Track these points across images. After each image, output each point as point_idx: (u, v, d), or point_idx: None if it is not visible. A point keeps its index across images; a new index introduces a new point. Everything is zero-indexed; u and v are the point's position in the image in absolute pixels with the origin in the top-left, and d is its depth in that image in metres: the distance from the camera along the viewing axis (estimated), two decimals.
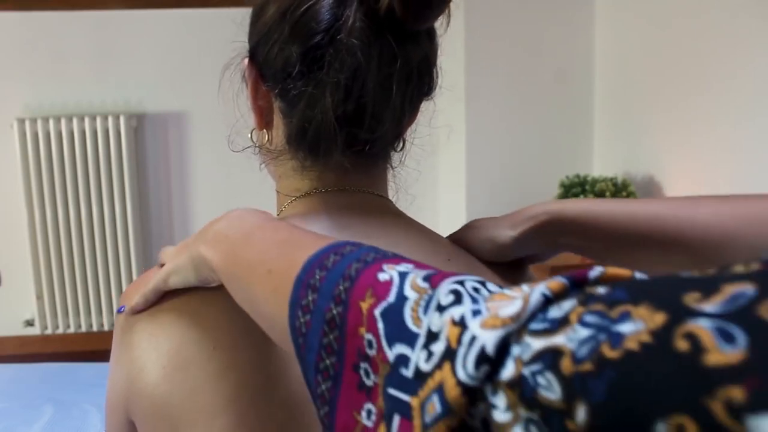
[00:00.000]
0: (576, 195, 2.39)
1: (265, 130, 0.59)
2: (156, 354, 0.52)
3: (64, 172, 2.81)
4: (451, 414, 0.28)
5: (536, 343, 0.27)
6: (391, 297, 0.34)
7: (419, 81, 0.56)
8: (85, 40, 2.88)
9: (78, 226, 2.85)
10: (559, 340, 0.27)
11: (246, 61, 0.59)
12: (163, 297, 0.54)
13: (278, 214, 0.60)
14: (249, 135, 0.62)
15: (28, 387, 1.79)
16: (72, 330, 2.95)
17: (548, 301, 0.29)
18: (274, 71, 0.55)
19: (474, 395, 0.28)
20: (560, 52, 2.73)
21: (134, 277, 2.89)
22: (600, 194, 2.33)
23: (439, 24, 0.57)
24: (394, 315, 0.33)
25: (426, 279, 0.34)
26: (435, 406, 0.29)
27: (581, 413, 0.24)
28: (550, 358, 0.26)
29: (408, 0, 0.50)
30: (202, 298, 0.52)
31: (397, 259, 0.38)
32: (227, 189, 2.91)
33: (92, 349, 2.96)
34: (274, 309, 0.41)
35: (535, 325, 0.28)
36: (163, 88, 2.90)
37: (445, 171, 3.00)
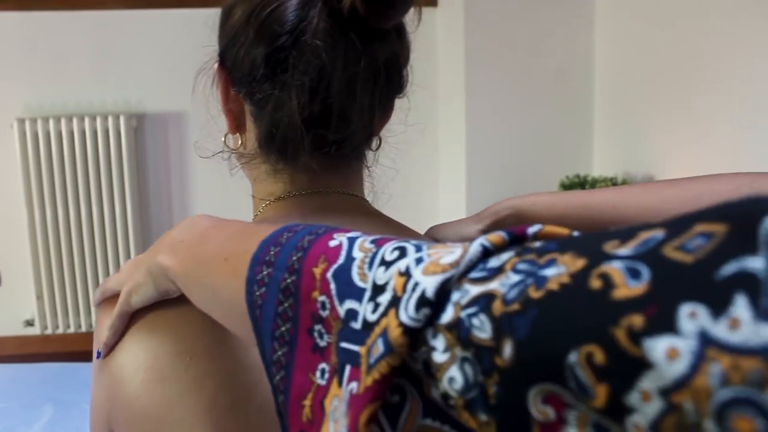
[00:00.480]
0: None
1: (238, 134, 0.60)
2: (134, 367, 0.52)
3: (64, 172, 2.81)
4: (393, 353, 0.30)
5: (474, 289, 0.29)
6: (341, 259, 0.36)
7: (387, 80, 0.55)
8: (85, 40, 2.87)
9: (78, 226, 2.85)
10: (493, 285, 0.29)
11: (216, 65, 0.59)
12: (134, 316, 0.54)
13: (253, 218, 0.60)
14: (222, 139, 0.62)
15: (28, 387, 1.79)
16: (72, 330, 2.95)
17: (488, 252, 0.31)
18: (241, 75, 0.55)
19: (416, 338, 0.30)
20: (560, 52, 2.73)
21: None
22: None
23: (418, 21, 0.56)
24: (343, 274, 0.35)
25: (373, 241, 0.36)
26: (379, 347, 0.31)
27: (508, 349, 0.26)
28: (484, 301, 0.28)
29: None
30: (175, 311, 0.53)
31: (347, 229, 0.40)
32: (227, 189, 2.91)
33: (92, 349, 2.96)
34: (233, 291, 0.41)
35: (475, 274, 0.30)
36: (163, 88, 2.90)
37: (445, 171, 3.00)
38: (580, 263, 0.26)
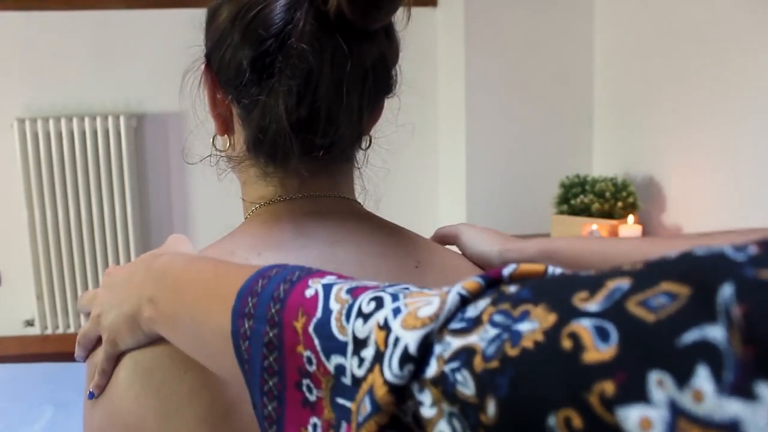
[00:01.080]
0: (576, 195, 2.39)
1: (226, 136, 0.59)
2: (128, 383, 0.52)
3: (64, 172, 2.81)
4: (379, 411, 0.30)
5: (455, 342, 0.29)
6: (319, 312, 0.35)
7: (375, 81, 0.55)
8: (85, 40, 2.88)
9: (78, 226, 2.85)
10: (473, 339, 0.29)
11: (203, 66, 0.58)
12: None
13: (244, 221, 0.60)
14: (211, 141, 0.61)
15: (28, 387, 1.79)
16: (72, 330, 2.95)
17: (465, 300, 0.31)
18: (228, 78, 0.54)
19: (402, 393, 0.30)
20: (560, 52, 2.73)
21: None
22: (600, 194, 2.33)
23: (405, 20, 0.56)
24: (323, 328, 0.35)
25: (349, 291, 0.36)
26: (366, 406, 0.31)
27: (491, 407, 0.26)
28: (465, 356, 0.28)
29: (356, 0, 0.49)
30: None
31: (321, 273, 0.39)
32: (226, 189, 2.91)
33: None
34: (220, 346, 0.42)
35: (455, 325, 0.30)
36: (163, 88, 2.90)
37: (445, 171, 2.99)
38: (551, 319, 0.26)
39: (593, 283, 0.26)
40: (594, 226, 2.25)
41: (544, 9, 2.69)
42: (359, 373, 0.32)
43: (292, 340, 0.36)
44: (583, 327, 0.25)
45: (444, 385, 0.29)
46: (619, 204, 2.30)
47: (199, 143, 0.64)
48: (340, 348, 0.34)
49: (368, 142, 0.61)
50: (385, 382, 0.30)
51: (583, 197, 2.35)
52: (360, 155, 0.61)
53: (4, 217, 2.90)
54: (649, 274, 0.25)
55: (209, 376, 0.50)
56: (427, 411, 0.29)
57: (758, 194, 1.94)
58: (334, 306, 0.35)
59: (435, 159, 3.02)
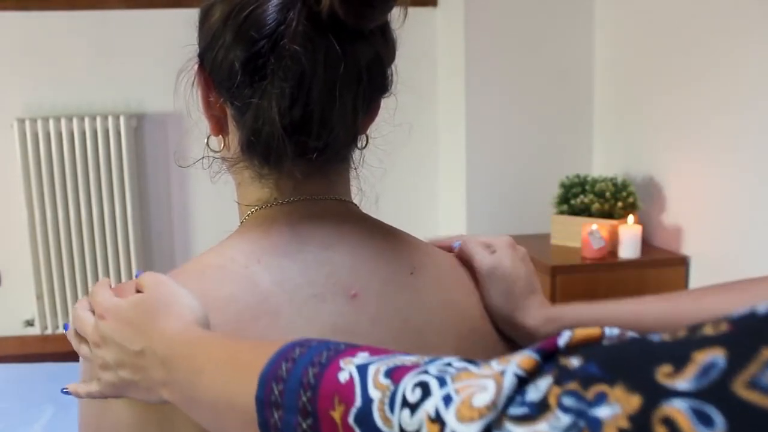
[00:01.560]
0: (576, 195, 2.39)
1: (221, 136, 0.58)
2: (126, 424, 0.52)
3: (64, 172, 2.81)
4: None
5: (518, 431, 0.27)
6: (358, 400, 0.33)
7: (370, 81, 0.54)
8: (85, 40, 2.87)
9: (78, 226, 2.85)
10: (541, 428, 0.26)
11: (196, 66, 0.57)
12: None
13: (240, 225, 0.60)
14: (205, 141, 0.60)
15: (28, 387, 1.79)
16: None
17: (522, 380, 0.28)
18: (221, 78, 0.54)
19: None
20: (560, 52, 2.73)
21: (133, 277, 2.89)
22: (600, 194, 2.33)
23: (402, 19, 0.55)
24: (366, 420, 0.32)
25: (388, 375, 0.33)
26: None
27: None
28: None
29: (349, 0, 0.48)
30: None
31: (350, 349, 0.37)
32: (227, 189, 2.91)
33: None
34: None
35: (515, 410, 0.27)
36: (163, 88, 2.89)
37: (444, 171, 2.99)
38: (635, 402, 0.23)
39: (675, 355, 0.24)
40: (594, 226, 2.25)
41: (544, 9, 2.69)
42: None
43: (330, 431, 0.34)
44: (678, 410, 0.22)
45: None
46: (619, 204, 2.30)
47: (195, 144, 0.63)
48: None
49: (365, 141, 0.60)
50: None
51: (583, 197, 2.35)
52: (356, 155, 0.61)
53: (4, 217, 2.90)
54: (742, 339, 0.22)
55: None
56: None
57: (759, 194, 1.94)
58: (374, 394, 0.33)
59: (435, 159, 3.02)
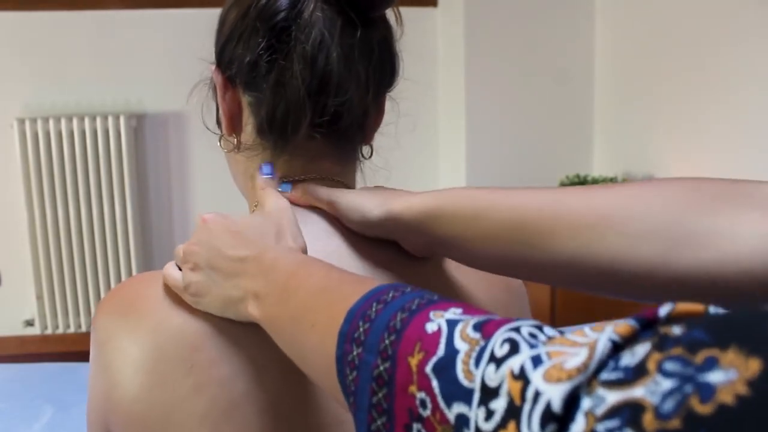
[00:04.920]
0: None
1: (233, 135, 0.61)
2: (132, 370, 0.52)
3: (64, 172, 2.81)
4: None
5: (611, 396, 0.25)
6: (441, 350, 0.32)
7: (381, 57, 0.58)
8: (85, 40, 2.87)
9: (78, 226, 2.85)
10: (637, 392, 0.24)
11: (213, 66, 0.61)
12: (144, 310, 0.53)
13: (253, 207, 0.61)
14: (218, 143, 0.64)
15: (28, 387, 1.79)
16: (72, 330, 2.95)
17: (617, 347, 0.27)
18: (240, 65, 0.57)
19: None
20: (560, 52, 2.73)
21: None
22: None
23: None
24: (446, 371, 0.31)
25: (477, 328, 0.32)
26: None
27: None
28: (629, 413, 0.24)
29: None
30: (184, 317, 0.52)
31: (444, 303, 0.36)
32: (227, 189, 2.91)
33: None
34: (323, 365, 0.39)
35: (607, 375, 0.26)
36: (163, 88, 2.90)
37: (445, 170, 2.99)
38: (754, 366, 0.21)
39: None
40: None
41: (544, 9, 2.69)
42: (486, 427, 0.28)
43: (405, 378, 0.33)
44: None
45: None
46: None
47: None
48: (464, 395, 0.30)
49: (370, 152, 0.63)
50: None
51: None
52: (364, 152, 0.63)
53: (4, 217, 2.90)
54: None
55: (215, 372, 0.50)
56: None
57: None
58: (460, 345, 0.31)
59: (435, 159, 3.02)
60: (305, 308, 0.43)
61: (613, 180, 2.36)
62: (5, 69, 2.85)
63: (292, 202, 0.58)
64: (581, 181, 2.42)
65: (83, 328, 2.95)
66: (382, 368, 0.34)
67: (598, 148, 2.78)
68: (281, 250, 0.49)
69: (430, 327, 0.33)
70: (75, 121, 2.79)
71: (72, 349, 2.98)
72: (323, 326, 0.40)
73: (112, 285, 2.91)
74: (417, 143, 2.77)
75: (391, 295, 0.38)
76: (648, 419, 0.23)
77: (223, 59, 0.59)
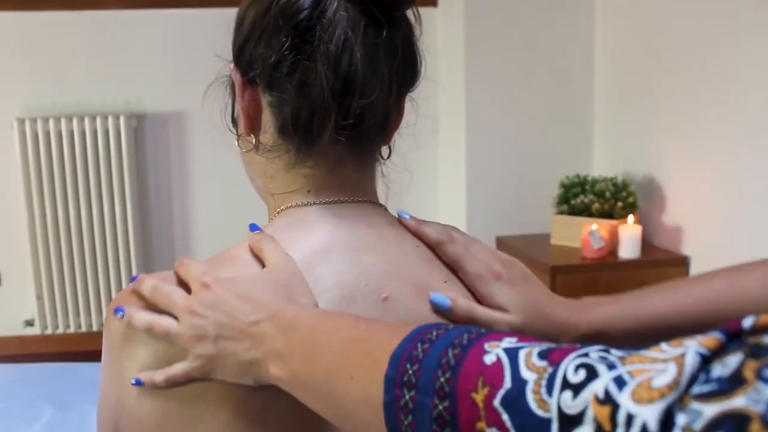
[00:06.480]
0: (576, 195, 2.38)
1: (252, 135, 0.60)
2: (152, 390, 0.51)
3: (64, 172, 2.81)
4: None
5: (708, 409, 0.24)
6: (507, 382, 0.31)
7: (404, 57, 0.57)
8: (85, 40, 2.87)
9: (78, 226, 2.85)
10: (738, 402, 0.23)
11: (231, 65, 0.59)
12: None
13: (269, 222, 0.60)
14: (236, 143, 0.63)
15: (28, 387, 1.79)
16: (72, 330, 2.95)
17: (705, 360, 0.26)
18: (261, 65, 0.56)
19: None
20: (560, 52, 2.73)
21: (129, 281, 2.88)
22: (600, 194, 2.33)
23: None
24: (516, 402, 0.30)
25: (542, 356, 0.31)
26: None
27: None
28: (732, 424, 0.23)
29: None
30: None
31: (496, 333, 0.35)
32: (227, 189, 2.91)
33: (92, 349, 2.96)
34: (368, 416, 0.38)
35: (700, 388, 0.25)
36: (163, 88, 2.90)
37: (445, 171, 2.99)
38: None
39: None
40: (594, 226, 2.25)
41: (544, 9, 2.69)
42: None
43: (470, 415, 0.32)
44: None
45: None
46: (619, 204, 2.30)
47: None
48: (540, 426, 0.29)
49: (388, 152, 0.63)
50: None
51: (583, 197, 2.35)
52: (383, 152, 0.63)
53: (4, 217, 2.90)
54: None
55: (235, 387, 0.49)
56: None
57: (759, 194, 1.94)
58: (527, 375, 0.30)
59: (435, 159, 3.02)
60: (340, 361, 0.41)
61: (612, 180, 2.36)
62: (5, 69, 2.85)
63: None
64: (581, 181, 2.42)
65: (83, 328, 2.95)
66: (441, 408, 0.33)
67: (598, 148, 2.78)
68: (298, 308, 0.47)
69: (489, 359, 0.32)
70: (75, 121, 2.79)
71: (72, 349, 2.98)
72: (365, 376, 0.38)
73: (112, 285, 2.91)
74: (416, 143, 2.76)
75: (435, 333, 0.36)
76: (756, 429, 0.22)
77: (242, 58, 0.58)
